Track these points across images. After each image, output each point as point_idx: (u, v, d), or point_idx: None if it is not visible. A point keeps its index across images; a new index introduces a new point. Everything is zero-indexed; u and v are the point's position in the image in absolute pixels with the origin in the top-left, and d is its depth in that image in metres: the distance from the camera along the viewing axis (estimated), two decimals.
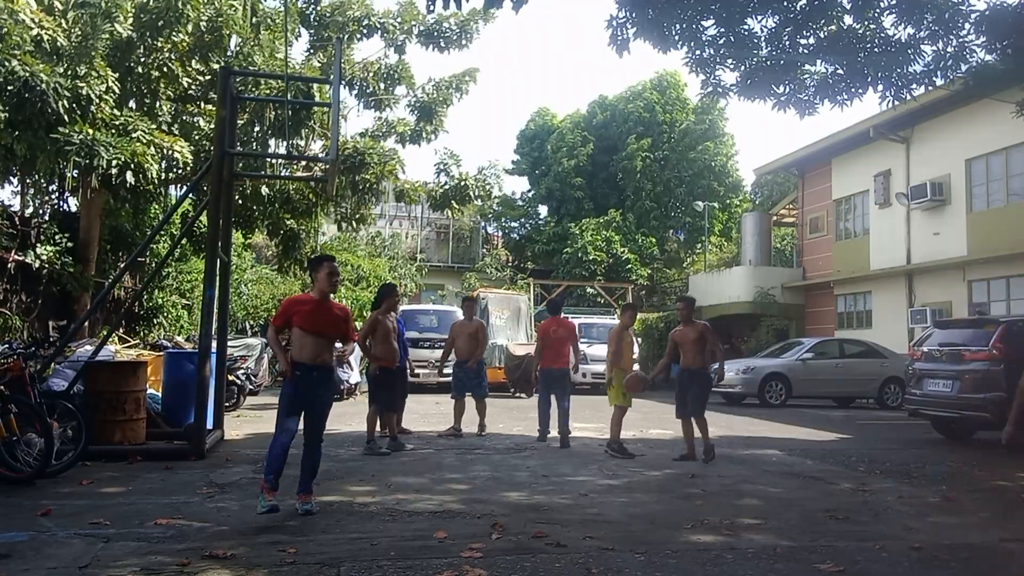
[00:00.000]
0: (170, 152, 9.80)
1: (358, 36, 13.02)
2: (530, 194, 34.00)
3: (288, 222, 13.16)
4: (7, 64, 8.45)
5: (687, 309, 8.20)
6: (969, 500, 6.21)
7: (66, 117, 8.85)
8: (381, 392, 8.23)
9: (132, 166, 9.26)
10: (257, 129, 11.62)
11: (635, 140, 29.64)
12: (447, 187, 13.59)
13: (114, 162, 9.07)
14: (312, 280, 5.51)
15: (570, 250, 27.32)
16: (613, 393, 8.32)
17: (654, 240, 28.97)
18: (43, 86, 8.54)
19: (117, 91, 9.73)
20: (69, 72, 9.02)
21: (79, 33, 9.31)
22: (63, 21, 9.55)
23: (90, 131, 9.10)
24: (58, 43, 9.19)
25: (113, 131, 9.61)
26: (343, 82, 12.27)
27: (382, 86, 13.19)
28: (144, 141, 9.57)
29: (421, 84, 13.52)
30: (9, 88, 8.51)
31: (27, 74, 8.47)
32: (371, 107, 13.44)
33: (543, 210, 33.37)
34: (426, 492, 5.92)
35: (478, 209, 25.91)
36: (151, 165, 9.41)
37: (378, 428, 8.27)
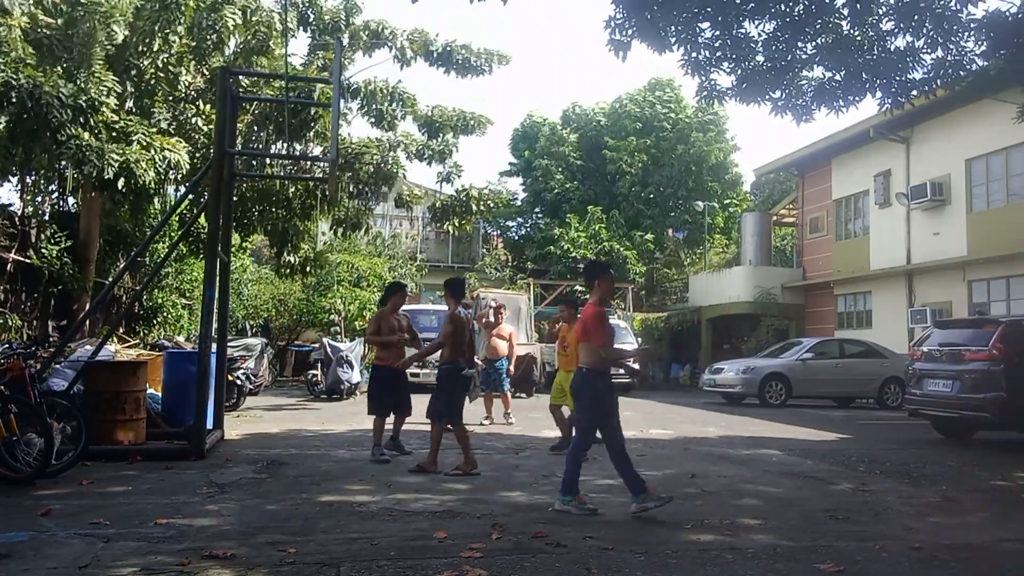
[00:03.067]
0: (169, 155, 9.79)
1: (366, 46, 12.92)
2: (525, 194, 34.12)
3: (285, 224, 13.13)
4: (8, 73, 8.45)
5: (446, 295, 7.31)
6: (969, 500, 6.21)
7: (69, 127, 8.86)
8: (383, 394, 7.67)
9: (126, 174, 9.26)
10: (257, 128, 11.60)
11: (628, 139, 29.68)
12: (450, 199, 13.57)
13: (108, 170, 9.06)
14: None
15: (556, 249, 27.46)
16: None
17: (651, 237, 28.97)
18: (47, 98, 8.55)
19: (119, 92, 9.72)
20: (69, 73, 9.01)
21: (78, 38, 9.30)
22: (60, 21, 9.54)
23: (85, 135, 9.08)
24: (55, 43, 9.19)
25: (114, 134, 9.62)
26: (346, 89, 12.21)
27: (386, 105, 13.03)
28: (143, 144, 9.59)
29: (436, 106, 13.34)
30: (12, 98, 8.51)
31: (31, 86, 8.48)
32: (374, 123, 13.25)
33: (538, 211, 33.48)
34: (426, 492, 5.91)
35: (471, 223, 26.00)
36: (144, 171, 9.40)
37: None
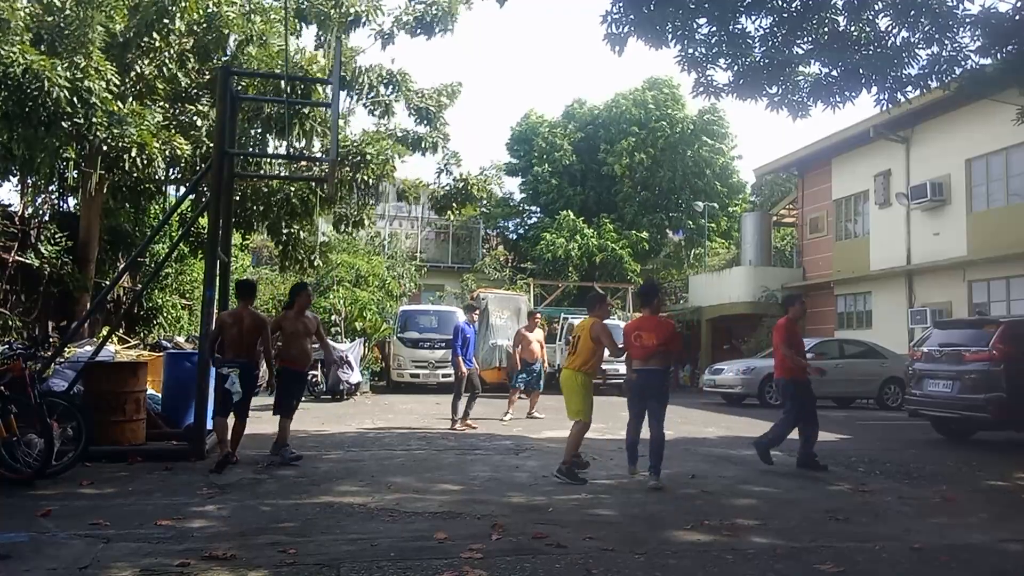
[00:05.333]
0: (173, 149, 9.80)
1: (351, 28, 12.93)
2: (522, 195, 34.18)
3: (289, 223, 13.13)
4: (4, 51, 8.41)
5: (238, 295, 7.50)
6: (969, 500, 6.21)
7: (67, 108, 8.81)
8: (292, 394, 7.60)
9: (136, 150, 9.27)
10: (253, 126, 11.61)
11: (625, 140, 29.71)
12: (448, 188, 13.58)
13: (119, 144, 9.06)
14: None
15: (544, 250, 27.58)
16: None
17: (646, 235, 29.01)
18: (46, 73, 8.49)
19: (117, 83, 9.71)
20: (68, 66, 9.00)
21: (73, 21, 9.29)
22: (60, 19, 9.55)
23: (96, 102, 9.03)
24: (55, 38, 9.18)
25: (121, 117, 9.62)
26: (344, 84, 12.23)
27: (383, 90, 13.12)
28: (151, 132, 9.61)
29: (419, 90, 13.48)
30: (8, 80, 8.47)
31: (26, 62, 8.42)
32: (372, 113, 13.38)
33: (536, 210, 33.54)
34: (426, 493, 5.91)
35: (476, 210, 25.97)
36: (158, 155, 9.42)
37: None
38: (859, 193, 21.12)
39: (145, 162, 9.48)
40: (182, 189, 12.11)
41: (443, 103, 13.47)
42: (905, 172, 19.10)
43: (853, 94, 8.61)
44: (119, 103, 9.75)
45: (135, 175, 9.93)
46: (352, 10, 12.58)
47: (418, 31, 13.03)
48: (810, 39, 8.40)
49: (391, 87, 13.18)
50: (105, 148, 9.18)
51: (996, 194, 16.91)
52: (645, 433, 6.76)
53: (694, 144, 29.67)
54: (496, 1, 6.42)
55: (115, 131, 9.09)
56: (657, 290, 7.10)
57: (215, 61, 11.25)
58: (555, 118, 33.21)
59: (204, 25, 10.58)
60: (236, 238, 14.96)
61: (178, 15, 9.94)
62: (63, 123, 8.88)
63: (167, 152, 9.81)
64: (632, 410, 6.90)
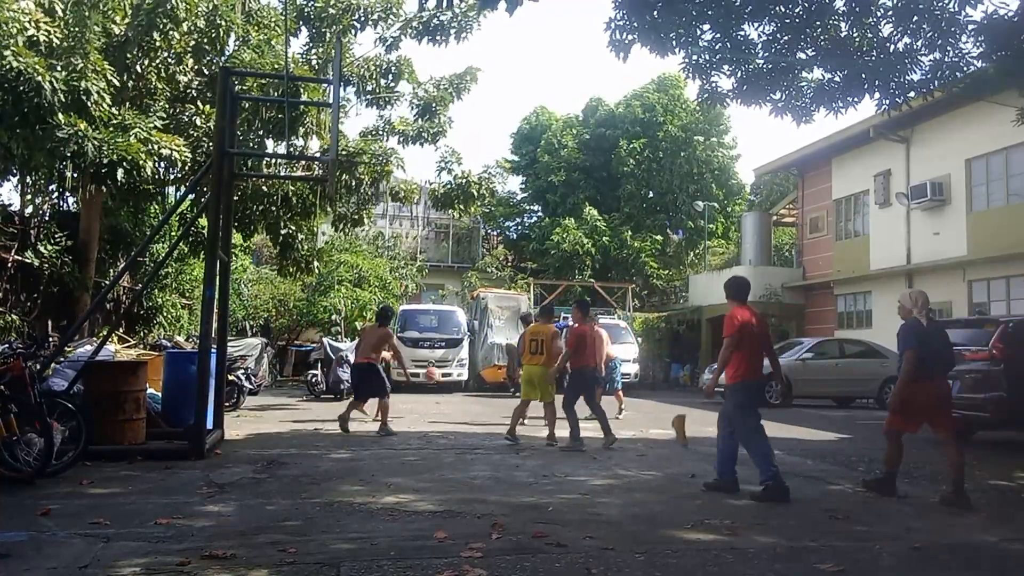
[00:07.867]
0: (169, 152, 9.78)
1: (352, 29, 12.83)
2: (526, 193, 34.15)
3: (288, 223, 13.12)
4: (2, 56, 8.41)
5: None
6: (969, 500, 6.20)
7: (61, 116, 8.81)
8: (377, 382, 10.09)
9: (125, 163, 9.25)
10: (250, 128, 11.59)
11: (628, 141, 29.73)
12: (449, 186, 13.50)
13: (104, 159, 9.06)
14: None
15: (558, 247, 27.52)
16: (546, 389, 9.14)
17: (659, 237, 29.09)
18: (39, 78, 8.49)
19: (117, 84, 9.68)
20: (65, 66, 8.99)
21: (71, 24, 9.29)
22: (60, 21, 9.55)
23: (83, 125, 9.05)
24: (54, 42, 9.17)
25: (111, 129, 9.60)
26: (343, 79, 12.18)
27: (383, 82, 13.07)
28: (140, 138, 9.57)
29: (423, 83, 13.37)
30: (4, 85, 8.47)
31: (21, 66, 8.42)
32: (372, 105, 13.34)
33: (538, 209, 33.55)
34: (426, 492, 5.91)
35: (477, 209, 25.94)
36: (146, 162, 9.39)
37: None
38: (859, 193, 21.13)
39: (136, 174, 9.48)
40: (182, 189, 12.08)
41: (449, 95, 13.23)
42: (905, 172, 19.10)
43: (856, 99, 8.62)
44: (114, 110, 9.74)
45: (127, 184, 9.93)
46: (360, 3, 12.43)
47: (425, 40, 12.70)
48: (812, 45, 8.41)
49: (392, 78, 13.06)
50: (95, 165, 9.17)
51: (996, 194, 16.92)
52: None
53: (692, 145, 29.69)
54: (506, 11, 6.30)
55: (102, 153, 9.06)
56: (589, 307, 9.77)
57: (213, 61, 11.23)
58: (568, 115, 33.22)
59: (202, 24, 10.56)
60: (236, 239, 14.96)
61: (182, 17, 9.93)
62: (58, 131, 8.88)
63: (164, 152, 9.79)
64: (594, 396, 9.21)
